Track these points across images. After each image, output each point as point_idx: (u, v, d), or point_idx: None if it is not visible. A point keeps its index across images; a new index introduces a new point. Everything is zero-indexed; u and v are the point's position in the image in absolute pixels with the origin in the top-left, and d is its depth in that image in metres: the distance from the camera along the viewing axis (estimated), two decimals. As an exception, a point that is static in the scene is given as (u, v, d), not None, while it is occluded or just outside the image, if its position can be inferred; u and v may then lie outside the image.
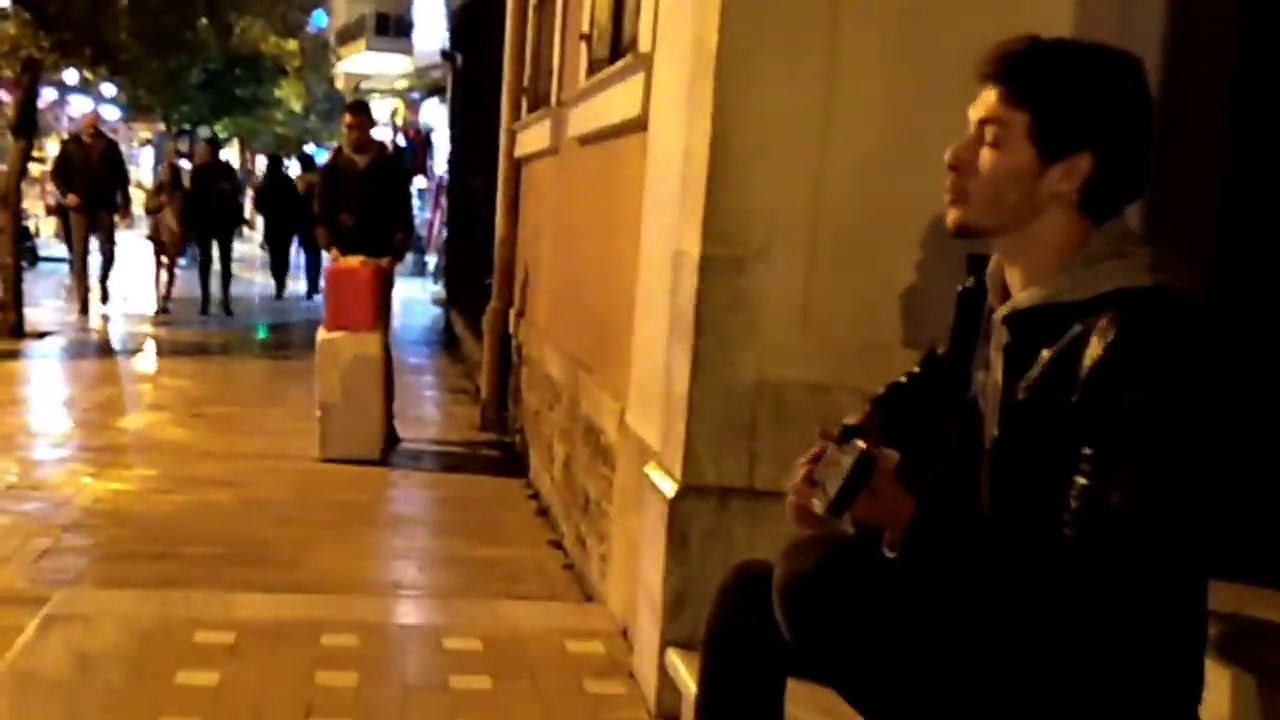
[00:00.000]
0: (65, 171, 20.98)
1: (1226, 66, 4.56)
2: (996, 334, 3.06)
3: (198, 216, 22.21)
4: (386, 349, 11.22)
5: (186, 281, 22.76)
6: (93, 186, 20.43)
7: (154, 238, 22.18)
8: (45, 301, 21.64)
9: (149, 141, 58.92)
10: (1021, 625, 2.84)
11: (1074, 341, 2.77)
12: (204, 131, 46.11)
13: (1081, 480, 2.71)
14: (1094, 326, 2.74)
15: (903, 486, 2.89)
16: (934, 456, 3.30)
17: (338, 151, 12.63)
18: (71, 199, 21.16)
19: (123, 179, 21.49)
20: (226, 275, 22.70)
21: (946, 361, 3.44)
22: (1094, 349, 2.71)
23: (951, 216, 3.03)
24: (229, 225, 23.48)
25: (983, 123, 2.94)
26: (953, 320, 3.41)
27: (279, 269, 26.47)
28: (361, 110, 12.52)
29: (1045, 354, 2.84)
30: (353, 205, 11.63)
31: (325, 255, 12.91)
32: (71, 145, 21.57)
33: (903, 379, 3.63)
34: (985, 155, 2.93)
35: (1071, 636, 2.81)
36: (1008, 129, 2.90)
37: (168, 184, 22.36)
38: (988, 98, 2.94)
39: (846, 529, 2.97)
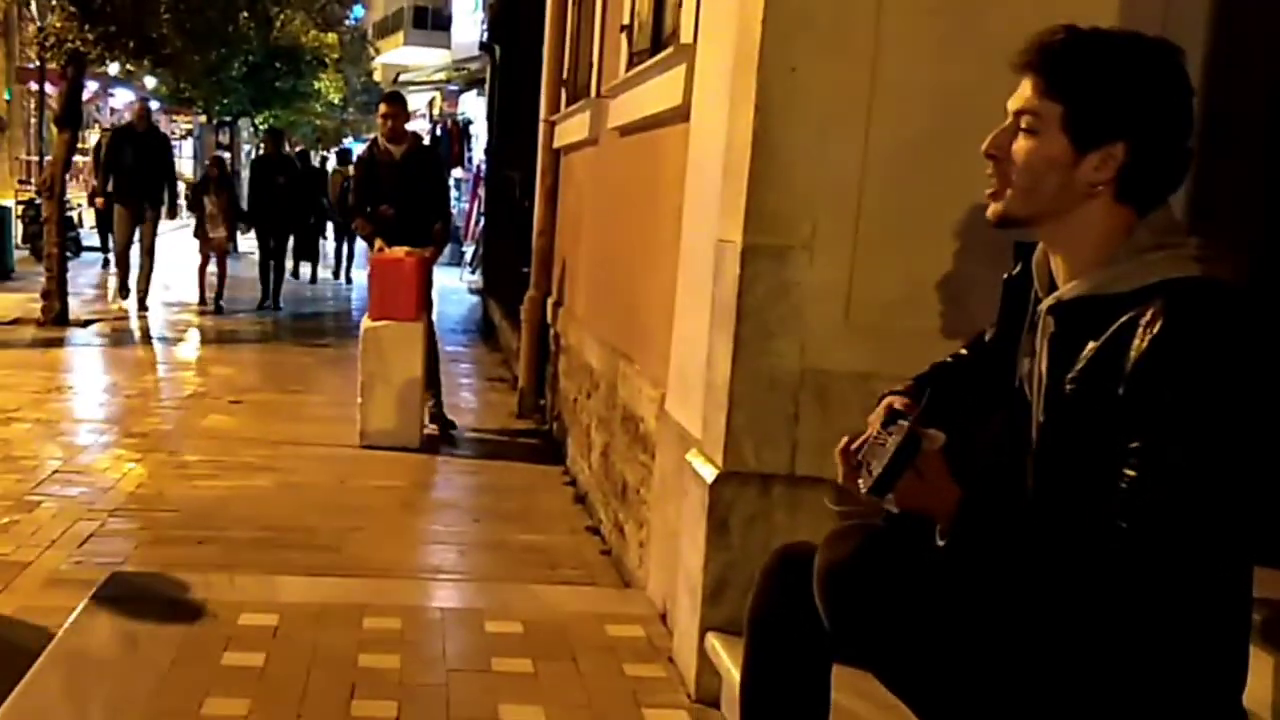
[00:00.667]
0: (114, 162, 20.25)
1: (1272, 56, 4.53)
2: (1043, 324, 3.06)
3: (256, 210, 21.99)
4: (431, 337, 11.31)
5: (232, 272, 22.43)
6: (140, 179, 19.79)
7: (200, 234, 21.29)
8: (89, 290, 21.68)
9: (190, 133, 58.96)
10: (1065, 613, 2.83)
11: (1119, 334, 2.76)
12: (244, 124, 46.28)
13: (1130, 473, 2.69)
14: (1139, 319, 2.73)
15: (950, 474, 2.89)
16: (980, 442, 3.28)
17: (373, 143, 12.63)
18: (99, 201, 21.07)
19: (170, 173, 20.80)
20: (280, 270, 22.25)
21: (994, 347, 3.42)
22: (1139, 342, 2.71)
23: (992, 208, 3.05)
24: (284, 219, 22.43)
25: (1018, 113, 2.96)
26: (998, 308, 3.40)
27: (310, 257, 26.59)
28: (396, 100, 12.55)
29: (1091, 346, 2.84)
30: (390, 196, 11.65)
31: (362, 245, 12.92)
32: (121, 135, 20.83)
33: (949, 359, 3.62)
34: (1020, 144, 2.95)
35: (1116, 625, 2.80)
36: (1042, 119, 2.91)
37: (215, 180, 21.44)
38: (1024, 88, 2.95)
39: (891, 509, 2.96)
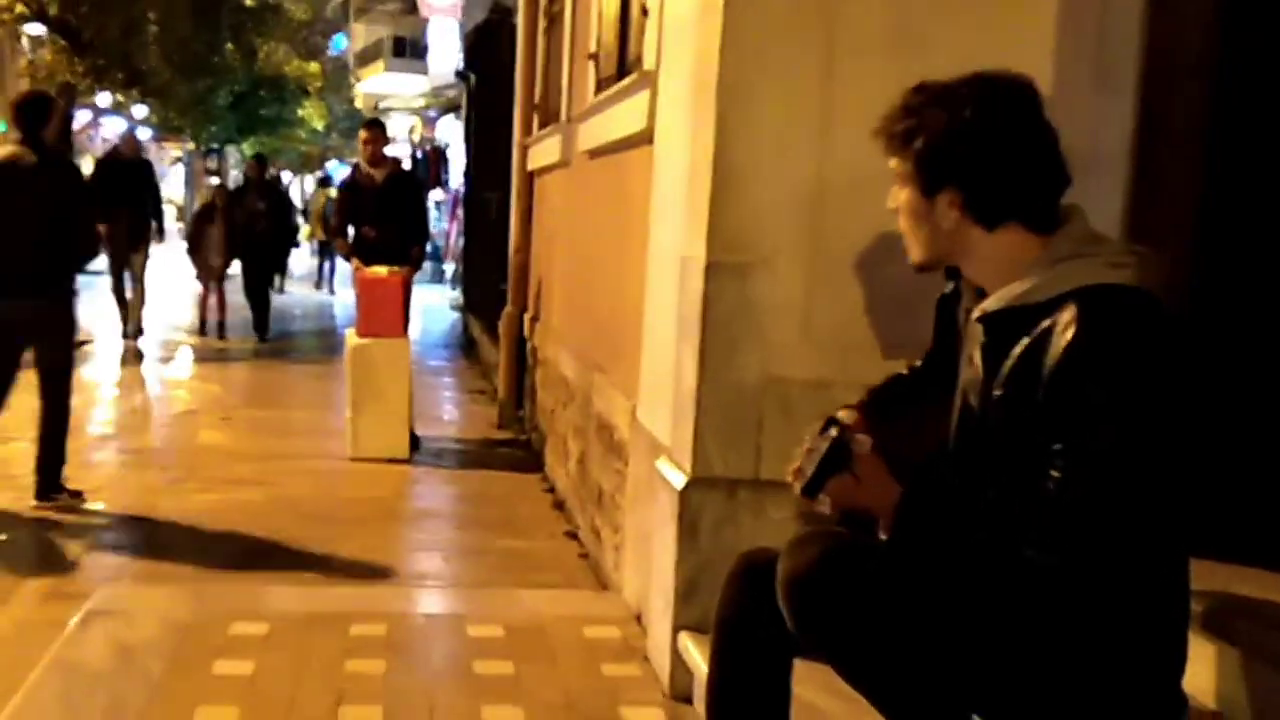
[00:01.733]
0: (108, 193, 17.65)
1: (1201, 75, 4.59)
2: (974, 333, 3.13)
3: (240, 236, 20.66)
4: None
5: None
6: (132, 208, 18.26)
7: (200, 263, 20.43)
8: (81, 311, 21.54)
9: (179, 159, 58.90)
10: (1006, 608, 2.87)
11: (1038, 340, 2.84)
12: (231, 150, 46.25)
13: (1055, 474, 2.76)
14: (1054, 325, 2.80)
15: (889, 474, 2.95)
16: (924, 445, 3.33)
17: (356, 167, 12.68)
18: (103, 228, 19.78)
19: (158, 201, 19.29)
20: (265, 296, 20.92)
21: (933, 360, 3.50)
22: (1054, 347, 2.78)
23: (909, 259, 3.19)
24: (267, 243, 21.23)
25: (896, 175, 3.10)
26: (934, 324, 3.48)
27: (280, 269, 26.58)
28: (376, 126, 12.67)
29: (1014, 353, 2.91)
30: (372, 218, 11.70)
31: (343, 263, 12.95)
32: (111, 164, 19.23)
33: (903, 373, 3.68)
34: (902, 200, 3.11)
35: (1052, 619, 2.84)
36: (900, 175, 3.07)
37: (221, 209, 20.32)
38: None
39: (824, 510, 3.02)
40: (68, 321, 9.37)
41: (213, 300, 20.11)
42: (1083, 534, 2.71)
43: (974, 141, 2.97)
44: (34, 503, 8.71)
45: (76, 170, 9.80)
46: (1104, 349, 2.73)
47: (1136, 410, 2.70)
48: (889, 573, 3.00)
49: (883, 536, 2.98)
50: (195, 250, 20.17)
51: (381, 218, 11.63)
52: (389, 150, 12.69)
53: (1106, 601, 2.80)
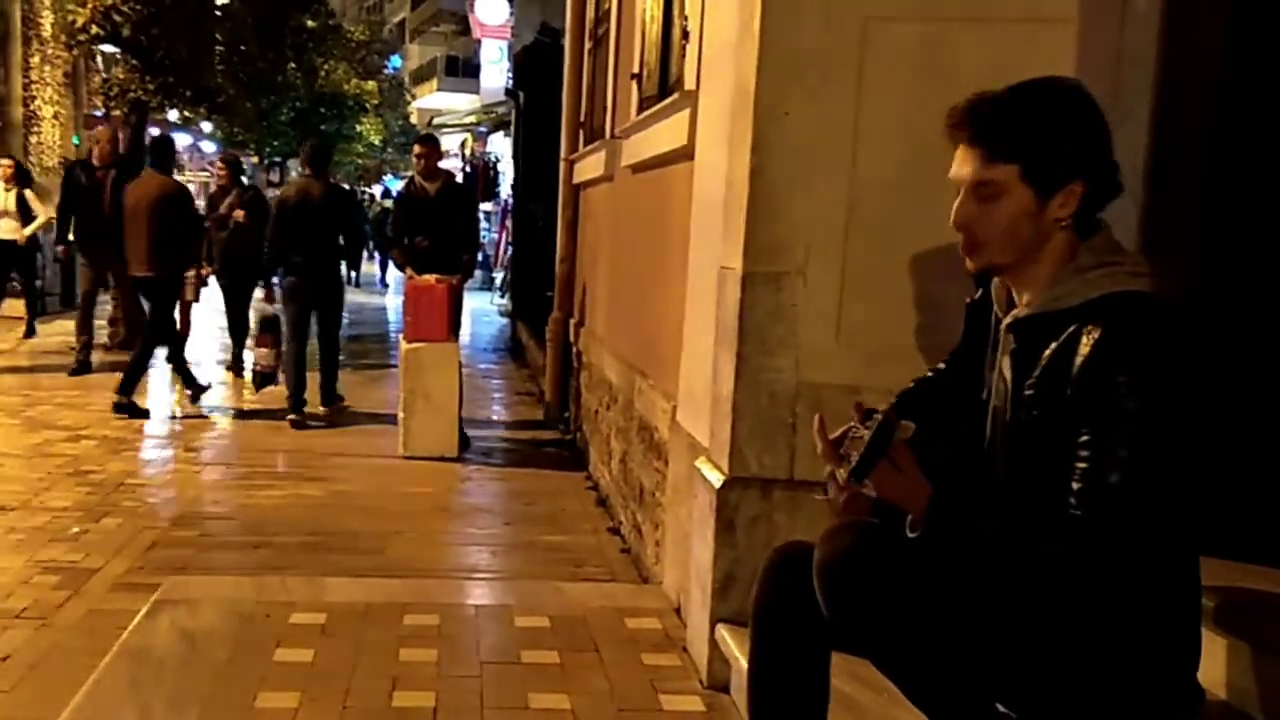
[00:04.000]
0: (67, 211, 15.62)
1: (1212, 96, 4.58)
2: (1004, 341, 3.14)
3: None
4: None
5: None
6: (102, 227, 14.23)
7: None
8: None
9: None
10: (1033, 596, 2.87)
11: (1068, 342, 2.87)
12: (293, 163, 46.33)
13: (1081, 463, 2.78)
14: (1083, 329, 2.84)
15: (921, 472, 2.95)
16: (950, 446, 3.32)
17: (410, 180, 12.68)
18: (61, 250, 17.06)
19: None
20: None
21: (961, 364, 3.48)
22: (1084, 348, 2.81)
23: (972, 265, 3.11)
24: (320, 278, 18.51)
25: (974, 185, 3.00)
26: (963, 329, 3.46)
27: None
28: (430, 142, 12.67)
29: (1045, 355, 2.93)
30: (425, 229, 11.72)
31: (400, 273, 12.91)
32: (78, 174, 15.49)
33: (929, 374, 3.66)
34: (988, 210, 3.00)
35: (1077, 604, 2.84)
36: (1000, 184, 2.97)
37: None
38: (967, 161, 3.02)
39: (869, 493, 3.03)
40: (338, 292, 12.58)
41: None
42: (1105, 516, 2.74)
43: (1094, 132, 2.98)
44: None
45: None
46: (1129, 347, 2.76)
47: (1155, 404, 2.72)
48: (921, 559, 2.99)
49: (910, 534, 2.97)
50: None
51: (434, 228, 11.65)
52: (442, 164, 12.71)
53: (1124, 591, 2.81)
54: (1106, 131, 2.98)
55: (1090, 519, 2.74)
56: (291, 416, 12.11)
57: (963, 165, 3.02)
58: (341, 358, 12.98)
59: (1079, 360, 2.82)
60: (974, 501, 2.95)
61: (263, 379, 13.13)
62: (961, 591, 2.97)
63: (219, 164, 16.94)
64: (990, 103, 2.99)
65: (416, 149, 12.48)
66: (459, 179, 22.77)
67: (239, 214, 14.76)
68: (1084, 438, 2.78)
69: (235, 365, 15.40)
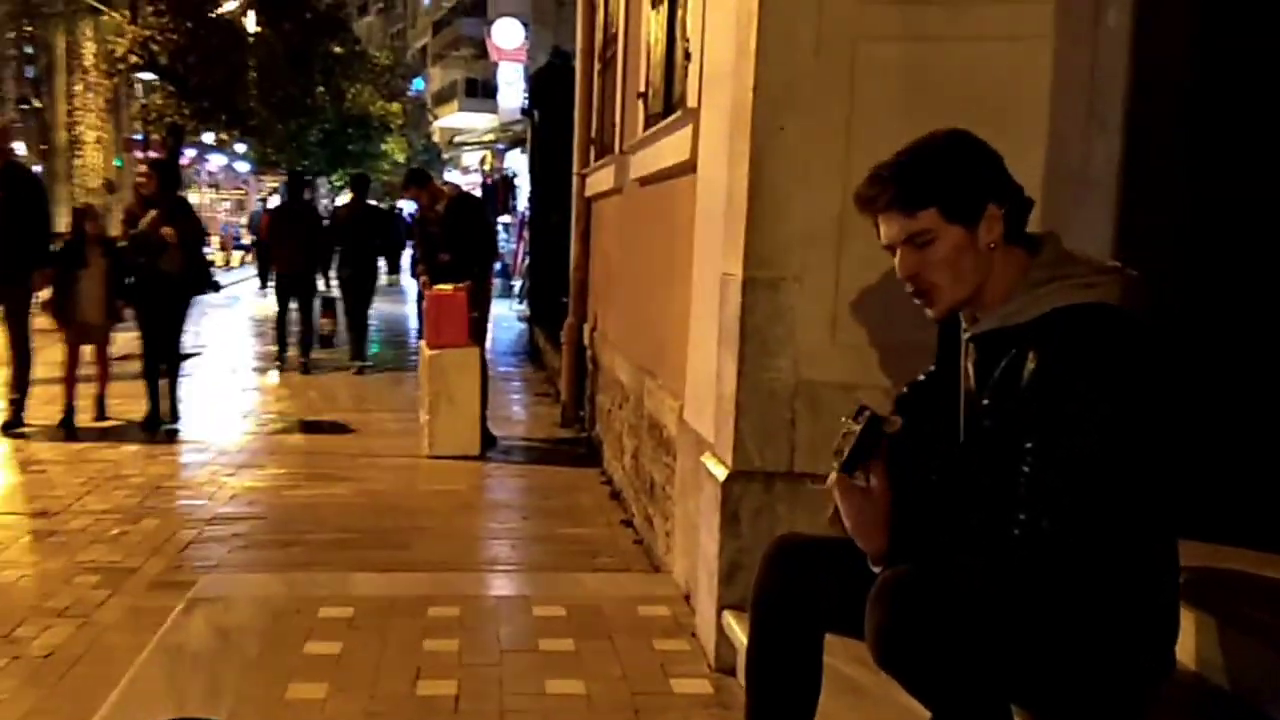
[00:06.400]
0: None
1: (1182, 107, 4.59)
2: (967, 350, 3.18)
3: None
4: (483, 361, 11.32)
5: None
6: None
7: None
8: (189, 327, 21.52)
9: (275, 190, 59.36)
10: (1018, 597, 2.86)
11: (1019, 356, 2.90)
12: (322, 181, 46.48)
13: (1026, 469, 2.82)
14: (1031, 344, 2.87)
15: (885, 524, 3.02)
16: (929, 450, 3.33)
17: (421, 207, 12.76)
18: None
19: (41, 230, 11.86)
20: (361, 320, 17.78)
21: (937, 370, 3.49)
22: (1030, 363, 2.85)
23: (933, 312, 3.16)
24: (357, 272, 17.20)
25: (908, 239, 3.05)
26: (937, 338, 3.47)
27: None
28: (413, 184, 12.93)
29: (999, 368, 2.97)
30: (442, 244, 11.74)
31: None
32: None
33: (920, 377, 3.66)
34: (928, 255, 3.04)
35: (1042, 597, 2.83)
36: (929, 229, 3.01)
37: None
38: (892, 224, 3.07)
39: (859, 484, 3.03)
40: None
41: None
42: (1049, 519, 2.76)
43: (988, 161, 3.04)
44: None
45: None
46: (1072, 359, 2.79)
47: (1099, 405, 2.74)
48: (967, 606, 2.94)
49: (873, 568, 3.04)
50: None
51: (450, 242, 11.64)
52: (460, 180, 12.80)
53: (1078, 578, 2.82)
54: (998, 157, 3.05)
55: (1037, 518, 2.77)
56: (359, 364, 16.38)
57: (889, 228, 3.07)
58: (369, 364, 13.02)
59: (1025, 375, 2.85)
60: (924, 539, 2.99)
61: (325, 341, 17.64)
62: (993, 615, 2.93)
63: (142, 167, 13.98)
64: (891, 168, 3.06)
65: (410, 192, 12.86)
66: (472, 191, 22.79)
67: (167, 231, 11.70)
68: (1029, 445, 2.82)
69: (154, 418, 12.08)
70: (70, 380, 11.88)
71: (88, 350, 12.11)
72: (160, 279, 11.77)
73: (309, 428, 12.39)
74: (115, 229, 13.39)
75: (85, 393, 12.09)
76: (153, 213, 11.77)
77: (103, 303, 11.91)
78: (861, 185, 3.12)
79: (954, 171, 3.01)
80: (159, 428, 11.88)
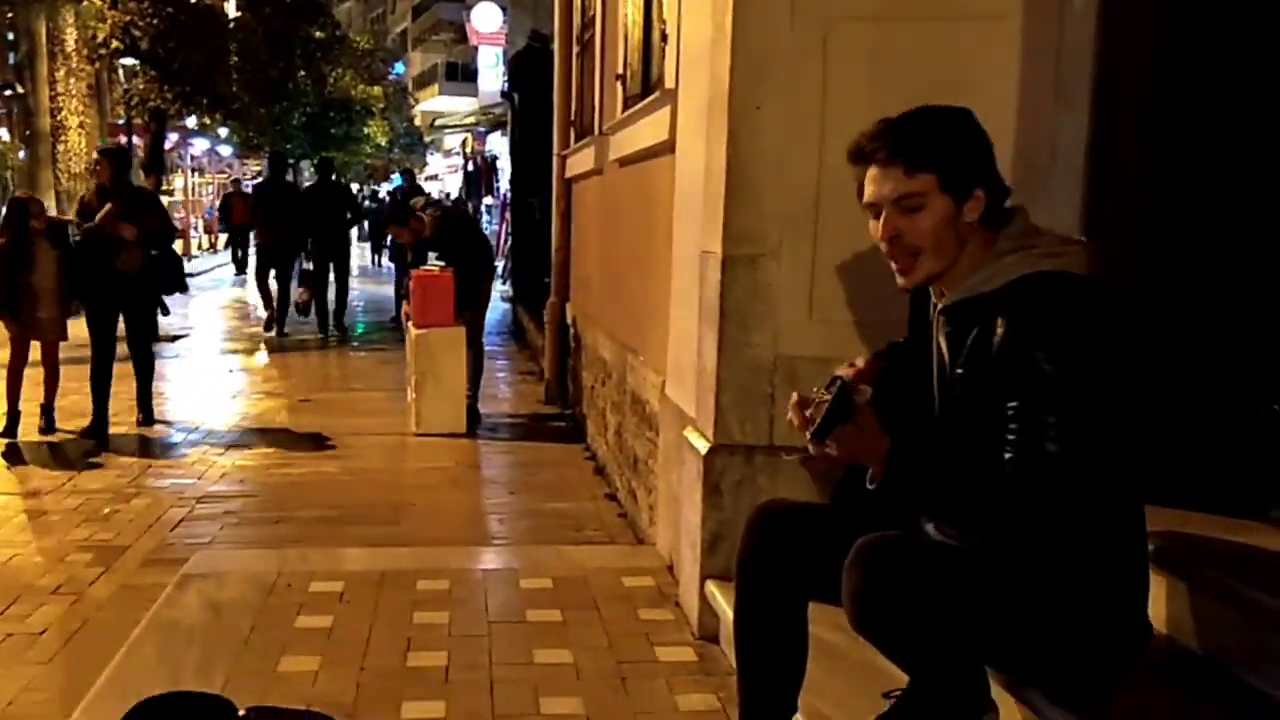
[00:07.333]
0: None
1: (1146, 87, 4.64)
2: (939, 323, 3.21)
3: (311, 235, 18.21)
4: (478, 342, 11.48)
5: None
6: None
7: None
8: (177, 311, 21.45)
9: (259, 173, 59.20)
10: (997, 559, 2.90)
11: (989, 323, 2.94)
12: (305, 164, 46.35)
13: (1012, 434, 2.84)
14: (999, 311, 2.92)
15: (880, 429, 2.99)
16: (903, 415, 3.36)
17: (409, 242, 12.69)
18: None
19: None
20: (341, 290, 19.50)
21: (910, 340, 3.54)
22: (1000, 328, 2.90)
23: (909, 279, 3.16)
24: (337, 245, 18.96)
25: (897, 199, 3.06)
26: (909, 311, 3.52)
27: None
28: (398, 223, 12.58)
29: (971, 337, 3.01)
30: (438, 257, 11.64)
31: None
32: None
33: (900, 341, 3.70)
34: (915, 221, 3.07)
35: (1031, 560, 2.87)
36: (922, 194, 3.04)
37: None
38: (889, 178, 3.07)
39: (830, 452, 3.01)
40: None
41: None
42: (1036, 473, 2.80)
43: (986, 145, 3.09)
44: None
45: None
46: (1041, 322, 2.84)
47: (1074, 369, 2.79)
48: (947, 569, 2.98)
49: (870, 486, 3.02)
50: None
51: (451, 258, 11.47)
52: (445, 163, 12.74)
53: (1070, 545, 2.86)
54: (992, 144, 3.10)
55: (1029, 485, 2.79)
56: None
57: (881, 184, 3.08)
58: (355, 344, 13.07)
59: (996, 341, 2.90)
60: (926, 455, 3.00)
61: (301, 310, 18.29)
62: (969, 579, 2.97)
63: (97, 157, 12.33)
64: (902, 123, 3.08)
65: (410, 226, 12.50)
66: (448, 193, 22.66)
67: (125, 227, 10.53)
68: (1011, 410, 2.84)
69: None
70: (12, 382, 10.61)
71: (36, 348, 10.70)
72: (116, 279, 10.60)
73: (297, 407, 12.38)
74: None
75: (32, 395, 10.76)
76: (108, 206, 10.56)
77: (57, 297, 10.58)
78: (862, 136, 3.14)
79: (959, 144, 3.05)
80: (103, 437, 10.50)
